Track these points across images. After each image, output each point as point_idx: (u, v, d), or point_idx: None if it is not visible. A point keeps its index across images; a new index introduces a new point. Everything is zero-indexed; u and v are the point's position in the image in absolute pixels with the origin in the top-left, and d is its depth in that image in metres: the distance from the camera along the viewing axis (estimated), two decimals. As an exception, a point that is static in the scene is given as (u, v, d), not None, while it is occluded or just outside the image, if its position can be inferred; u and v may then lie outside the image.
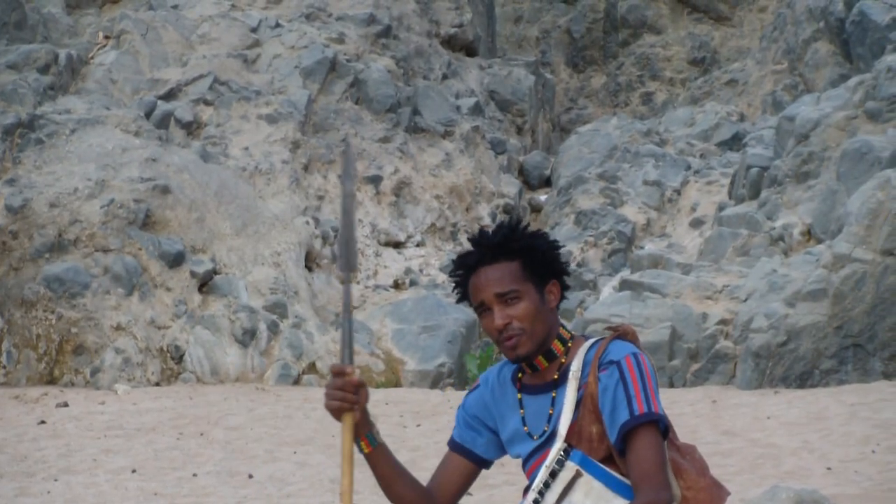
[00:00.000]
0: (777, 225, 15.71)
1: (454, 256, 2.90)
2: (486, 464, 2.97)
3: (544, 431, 2.80)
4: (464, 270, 2.83)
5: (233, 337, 14.81)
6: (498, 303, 2.76)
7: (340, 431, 2.79)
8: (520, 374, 2.89)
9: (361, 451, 2.82)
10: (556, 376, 2.81)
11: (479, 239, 2.82)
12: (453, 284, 2.88)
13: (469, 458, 2.93)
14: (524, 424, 2.84)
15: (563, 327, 2.86)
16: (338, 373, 2.78)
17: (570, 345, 2.83)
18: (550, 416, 2.79)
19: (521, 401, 2.86)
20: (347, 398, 2.75)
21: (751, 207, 16.79)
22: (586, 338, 2.85)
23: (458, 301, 2.90)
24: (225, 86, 18.81)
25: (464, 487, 2.95)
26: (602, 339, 2.82)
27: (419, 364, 15.59)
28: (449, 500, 2.93)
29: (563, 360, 2.82)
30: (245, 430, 11.07)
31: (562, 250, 2.90)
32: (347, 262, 2.84)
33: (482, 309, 2.80)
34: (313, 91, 19.61)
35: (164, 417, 11.75)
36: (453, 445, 2.96)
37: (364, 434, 2.82)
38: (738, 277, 14.77)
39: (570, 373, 2.78)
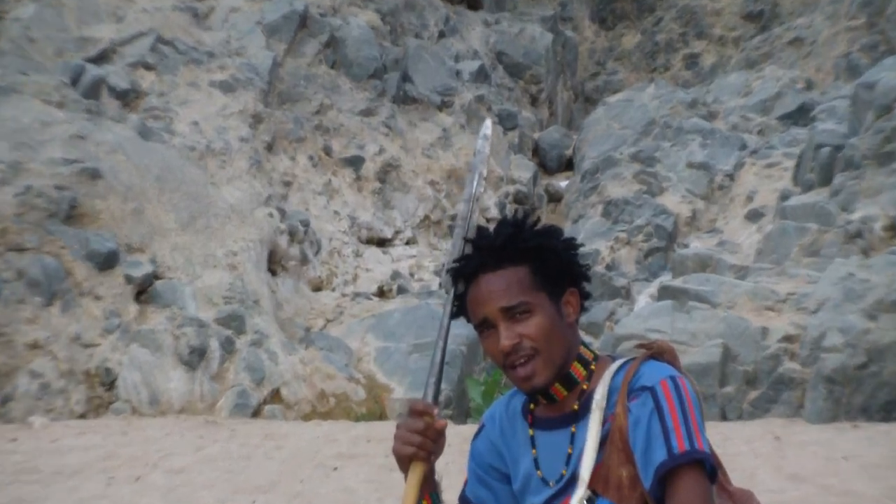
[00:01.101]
0: (854, 218, 15.73)
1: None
2: None
3: (562, 476, 2.79)
4: (461, 280, 2.82)
5: (177, 357, 14.82)
6: (504, 319, 2.75)
7: (405, 482, 2.77)
8: (532, 406, 2.88)
9: None
10: (575, 407, 2.80)
11: (479, 240, 2.81)
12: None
13: None
14: (537, 467, 2.83)
15: (585, 346, 2.84)
16: (420, 412, 2.78)
17: (593, 367, 2.82)
18: (569, 456, 2.78)
19: (532, 438, 2.85)
20: (425, 445, 2.77)
21: (821, 196, 16.81)
22: (614, 358, 2.84)
23: (455, 316, 2.89)
24: (170, 46, 18.82)
25: None
26: (633, 359, 2.80)
27: (409, 391, 15.59)
28: None
29: (585, 387, 2.81)
30: (191, 474, 11.08)
31: (585, 250, 2.90)
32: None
33: (484, 327, 2.79)
34: (279, 52, 19.63)
35: (90, 458, 11.75)
36: None
37: (428, 492, 2.83)
38: (805, 283, 14.79)
39: (594, 402, 2.76)
